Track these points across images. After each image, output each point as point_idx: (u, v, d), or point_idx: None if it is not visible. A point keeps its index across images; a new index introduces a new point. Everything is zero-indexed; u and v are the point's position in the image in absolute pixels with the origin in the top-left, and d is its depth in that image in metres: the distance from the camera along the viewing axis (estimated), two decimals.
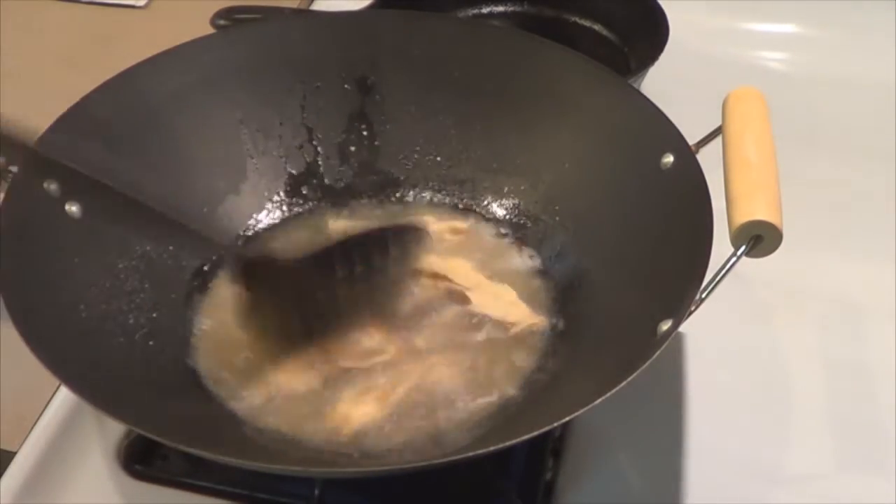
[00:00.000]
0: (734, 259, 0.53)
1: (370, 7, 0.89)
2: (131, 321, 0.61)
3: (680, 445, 0.65)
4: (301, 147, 0.73)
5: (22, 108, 0.83)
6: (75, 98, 0.64)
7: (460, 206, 0.72)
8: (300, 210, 0.73)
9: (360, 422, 0.59)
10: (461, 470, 0.58)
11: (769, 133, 0.59)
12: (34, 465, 0.62)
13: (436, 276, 0.67)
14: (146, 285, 0.63)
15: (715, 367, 0.69)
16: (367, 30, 0.73)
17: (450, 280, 0.67)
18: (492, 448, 0.49)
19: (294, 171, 0.73)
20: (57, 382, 0.61)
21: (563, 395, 0.58)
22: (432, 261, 0.67)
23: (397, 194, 0.73)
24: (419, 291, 0.66)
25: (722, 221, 0.55)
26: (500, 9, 0.97)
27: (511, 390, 0.61)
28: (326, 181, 0.73)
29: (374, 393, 0.60)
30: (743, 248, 0.54)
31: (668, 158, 0.61)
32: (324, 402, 0.60)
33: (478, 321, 0.65)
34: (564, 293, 0.66)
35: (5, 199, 0.58)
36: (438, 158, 0.74)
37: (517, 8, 0.97)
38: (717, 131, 0.61)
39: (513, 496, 0.61)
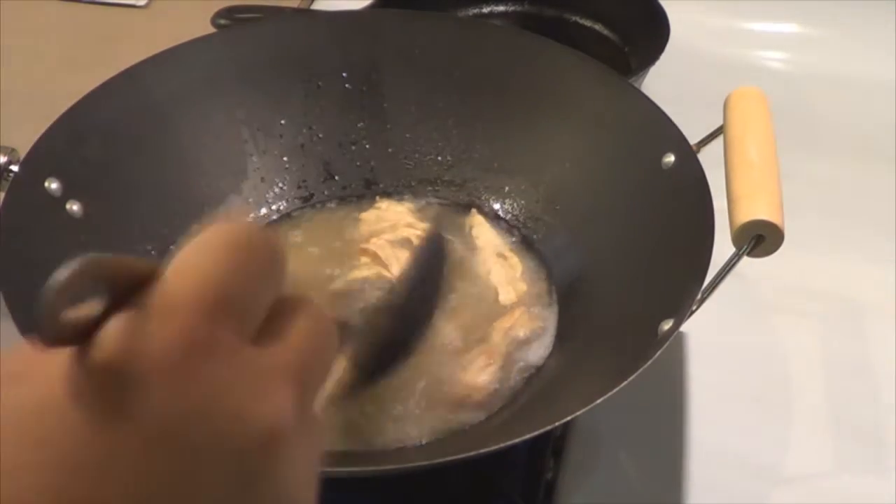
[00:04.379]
0: (736, 259, 0.53)
1: (371, 6, 0.89)
2: None
3: (680, 445, 0.65)
4: (302, 146, 0.73)
5: (22, 108, 0.83)
6: (75, 98, 0.64)
7: (461, 205, 0.72)
8: (300, 210, 0.73)
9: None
10: (462, 469, 0.58)
11: (771, 133, 0.59)
12: None
13: (376, 257, 0.67)
14: None
15: (716, 366, 0.69)
16: (367, 29, 0.73)
17: (385, 267, 0.67)
18: (492, 448, 0.49)
19: (295, 171, 0.73)
20: None
21: (563, 395, 0.58)
22: (381, 244, 0.68)
23: (398, 194, 0.73)
24: (354, 270, 0.67)
25: (723, 221, 0.55)
26: (501, 8, 0.97)
27: (511, 391, 0.61)
28: (327, 181, 0.73)
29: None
30: (744, 247, 0.54)
31: (670, 158, 0.61)
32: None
33: None
34: (565, 293, 0.66)
35: (5, 198, 0.58)
36: (439, 158, 0.74)
37: (518, 7, 0.97)
38: (719, 131, 0.61)
39: (514, 496, 0.60)
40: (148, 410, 0.24)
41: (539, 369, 0.62)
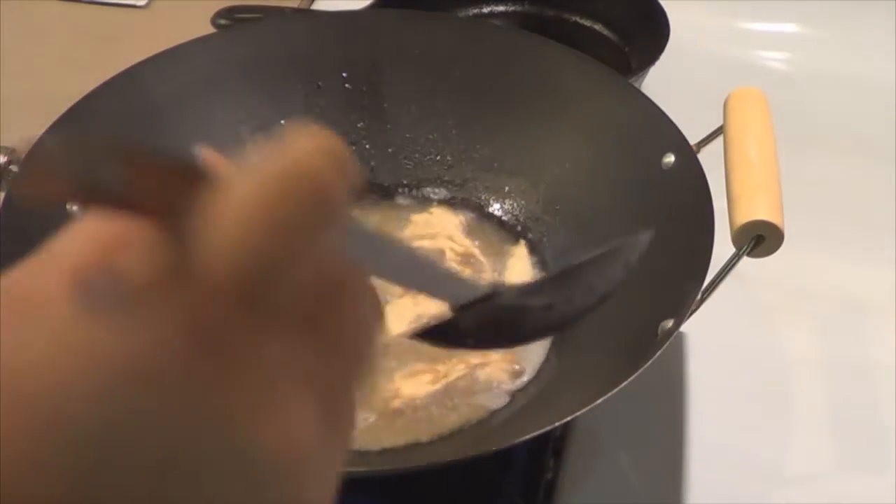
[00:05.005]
0: (736, 259, 0.53)
1: (371, 7, 0.89)
2: None
3: (680, 445, 0.65)
4: None
5: (22, 108, 0.83)
6: (75, 98, 0.64)
7: (461, 205, 0.72)
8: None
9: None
10: (462, 470, 0.58)
11: (771, 133, 0.59)
12: None
13: None
14: None
15: (716, 366, 0.69)
16: (367, 29, 0.73)
17: None
18: (493, 448, 0.49)
19: None
20: None
21: (563, 395, 0.58)
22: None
23: (398, 194, 0.73)
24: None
25: (723, 221, 0.55)
26: (501, 8, 0.97)
27: (510, 392, 0.61)
28: None
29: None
30: (744, 247, 0.54)
31: (670, 158, 0.61)
32: None
33: None
34: None
35: (5, 198, 0.58)
36: (439, 158, 0.74)
37: (518, 7, 0.97)
38: (719, 131, 0.61)
39: (514, 496, 0.60)
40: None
41: (539, 369, 0.62)
